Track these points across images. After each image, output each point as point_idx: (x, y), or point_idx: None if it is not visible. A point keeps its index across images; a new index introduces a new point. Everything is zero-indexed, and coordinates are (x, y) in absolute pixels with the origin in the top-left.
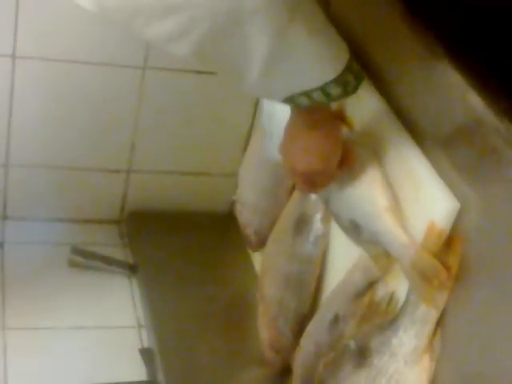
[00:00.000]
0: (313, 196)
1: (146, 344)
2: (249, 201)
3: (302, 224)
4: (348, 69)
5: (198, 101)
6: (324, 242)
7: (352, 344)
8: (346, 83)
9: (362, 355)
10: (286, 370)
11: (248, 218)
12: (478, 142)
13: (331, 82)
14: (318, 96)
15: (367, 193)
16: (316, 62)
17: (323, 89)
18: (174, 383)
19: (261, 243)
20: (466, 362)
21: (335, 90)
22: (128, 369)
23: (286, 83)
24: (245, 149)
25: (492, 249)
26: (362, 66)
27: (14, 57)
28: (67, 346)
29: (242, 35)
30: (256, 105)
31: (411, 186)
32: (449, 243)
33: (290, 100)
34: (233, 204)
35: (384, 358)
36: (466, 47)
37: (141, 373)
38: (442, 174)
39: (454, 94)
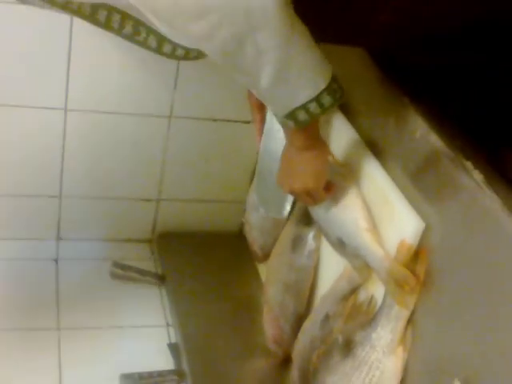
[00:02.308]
0: (306, 219)
1: (173, 340)
2: (255, 222)
3: (297, 241)
4: (333, 79)
5: (214, 143)
6: (316, 256)
7: (340, 338)
8: (335, 91)
9: (348, 347)
10: (286, 360)
11: (255, 236)
12: (438, 173)
13: (324, 90)
14: (314, 108)
15: (350, 216)
16: (312, 71)
17: (318, 99)
18: (196, 372)
19: (265, 257)
20: (431, 352)
21: (327, 100)
22: (158, 360)
23: (289, 94)
24: (251, 180)
25: (452, 260)
26: (345, 113)
27: (65, 109)
28: (109, 342)
29: (256, 41)
30: None
31: (386, 209)
32: (417, 256)
33: (290, 116)
34: (242, 225)
35: (366, 349)
36: (428, 97)
37: (169, 363)
38: (410, 199)
39: (418, 134)
